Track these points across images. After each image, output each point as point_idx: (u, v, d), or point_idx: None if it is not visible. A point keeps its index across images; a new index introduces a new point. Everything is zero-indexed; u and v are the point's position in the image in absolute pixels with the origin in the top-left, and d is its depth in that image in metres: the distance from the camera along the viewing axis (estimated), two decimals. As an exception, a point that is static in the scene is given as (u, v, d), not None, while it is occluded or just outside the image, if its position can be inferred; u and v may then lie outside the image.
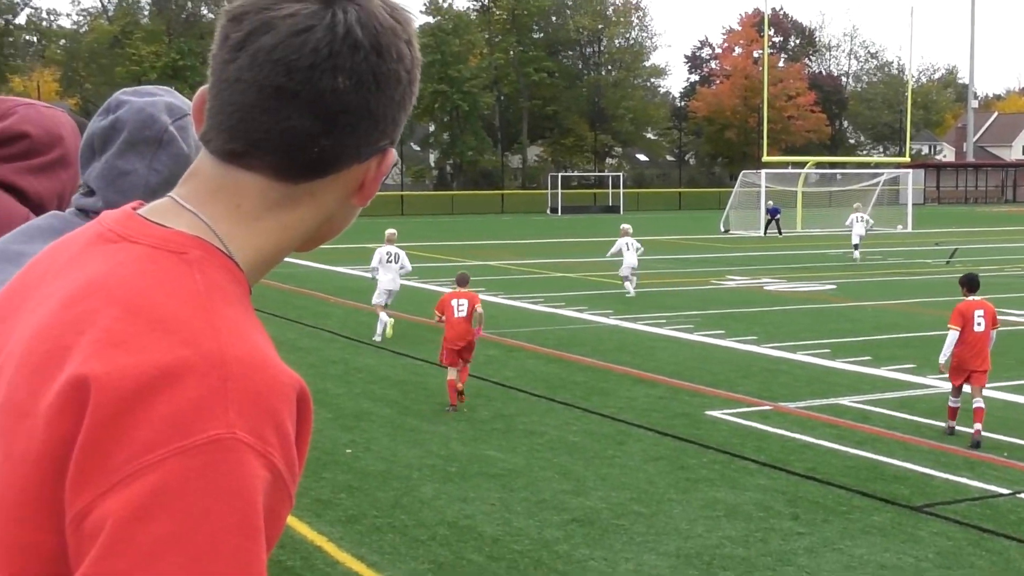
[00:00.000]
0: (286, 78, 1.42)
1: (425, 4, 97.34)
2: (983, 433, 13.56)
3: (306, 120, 1.44)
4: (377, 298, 21.91)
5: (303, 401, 1.43)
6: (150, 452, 1.28)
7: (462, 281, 16.64)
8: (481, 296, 22.72)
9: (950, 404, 14.16)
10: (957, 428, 14.05)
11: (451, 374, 15.60)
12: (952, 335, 13.93)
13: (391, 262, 21.77)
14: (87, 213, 2.46)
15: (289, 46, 1.42)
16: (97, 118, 2.58)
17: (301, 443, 1.42)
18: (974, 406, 13.67)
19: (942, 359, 14.21)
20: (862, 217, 41.84)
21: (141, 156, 2.50)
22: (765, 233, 52.94)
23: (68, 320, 1.41)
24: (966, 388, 13.99)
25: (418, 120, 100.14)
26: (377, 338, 21.23)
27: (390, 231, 22.43)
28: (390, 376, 17.87)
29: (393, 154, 1.55)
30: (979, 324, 13.94)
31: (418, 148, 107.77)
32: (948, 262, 37.28)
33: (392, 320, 21.70)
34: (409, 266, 22.18)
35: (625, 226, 31.23)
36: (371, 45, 1.45)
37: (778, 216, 53.49)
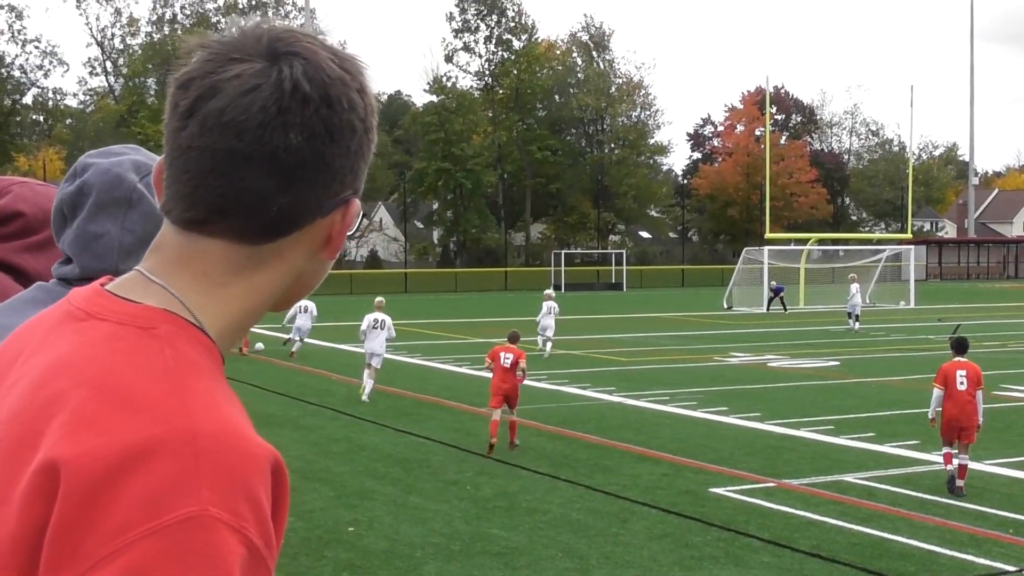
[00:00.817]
0: (237, 140, 1.41)
1: (428, 83, 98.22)
2: (991, 510, 13.51)
3: (262, 180, 1.42)
4: (368, 361, 23.82)
5: (278, 473, 1.41)
6: (123, 534, 1.27)
7: (513, 339, 19.06)
8: (483, 374, 23.10)
9: (945, 451, 15.12)
10: (963, 505, 14.01)
11: (495, 415, 17.72)
12: (936, 393, 15.28)
13: (377, 328, 23.76)
14: (69, 282, 2.43)
15: (237, 107, 1.41)
16: (64, 184, 2.53)
17: (278, 516, 1.40)
18: (959, 463, 14.84)
19: (930, 414, 15.61)
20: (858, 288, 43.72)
21: (112, 217, 2.44)
22: (768, 310, 52.95)
23: (39, 403, 1.40)
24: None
25: (422, 198, 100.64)
26: (365, 399, 23.11)
27: (379, 299, 24.77)
28: (393, 454, 17.81)
29: (357, 204, 1.53)
30: (961, 383, 15.05)
31: (422, 226, 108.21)
32: (951, 339, 37.16)
33: (372, 384, 23.55)
34: (394, 333, 24.30)
35: (548, 291, 35.30)
36: (320, 97, 1.43)
37: (782, 293, 53.56)
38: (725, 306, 55.88)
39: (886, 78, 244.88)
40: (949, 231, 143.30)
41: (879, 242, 76.83)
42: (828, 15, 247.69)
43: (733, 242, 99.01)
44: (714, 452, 17.81)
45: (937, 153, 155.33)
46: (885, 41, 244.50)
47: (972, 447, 15.23)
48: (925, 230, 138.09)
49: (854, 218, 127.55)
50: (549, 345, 32.37)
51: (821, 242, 68.45)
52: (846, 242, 77.37)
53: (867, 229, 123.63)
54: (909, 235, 71.71)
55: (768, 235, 60.26)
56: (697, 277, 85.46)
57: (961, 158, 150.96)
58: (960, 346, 16.04)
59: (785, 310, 52.75)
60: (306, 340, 32.44)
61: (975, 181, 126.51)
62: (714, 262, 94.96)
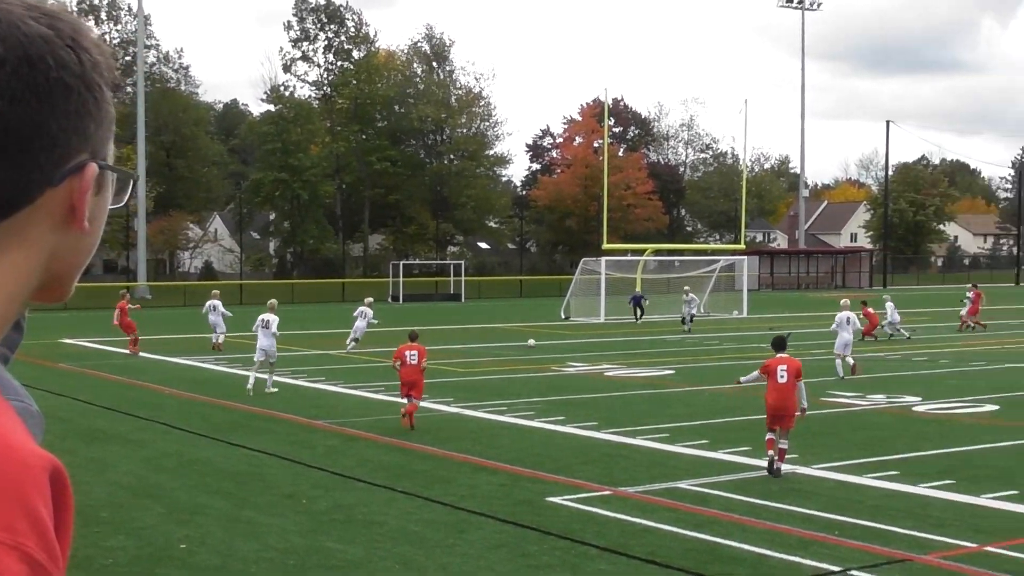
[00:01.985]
0: None
1: (266, 93, 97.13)
2: (818, 513, 13.81)
3: None
4: (256, 357, 26.59)
5: (58, 482, 1.31)
6: None
7: (413, 337, 22.28)
8: (320, 385, 23.22)
9: (768, 437, 16.66)
10: (792, 508, 14.31)
11: (408, 404, 21.24)
12: (755, 374, 17.60)
13: (265, 327, 26.40)
14: None
15: None
16: None
17: (62, 526, 1.30)
18: (780, 446, 16.52)
19: (742, 380, 18.29)
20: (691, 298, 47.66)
21: None
22: (637, 319, 53.35)
23: None
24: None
25: (258, 208, 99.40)
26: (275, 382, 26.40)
27: (271, 301, 27.70)
28: (226, 468, 17.52)
29: (94, 168, 1.41)
30: (782, 376, 16.76)
31: (258, 236, 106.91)
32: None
33: (270, 379, 26.38)
34: (277, 331, 26.68)
35: (367, 299, 39.23)
36: (18, 58, 1.32)
37: (644, 302, 54.13)
38: (563, 316, 56.29)
39: (721, 92, 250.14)
40: (781, 242, 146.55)
41: (713, 253, 78.22)
42: (665, 30, 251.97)
43: (571, 253, 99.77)
44: (552, 461, 17.89)
45: (769, 166, 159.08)
46: (720, 56, 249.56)
47: (803, 455, 15.57)
48: (758, 241, 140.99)
49: (689, 229, 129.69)
50: (352, 343, 37.38)
51: (657, 253, 69.37)
52: (681, 252, 78.54)
53: (702, 240, 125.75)
54: (742, 246, 73.11)
55: (605, 246, 60.84)
56: (535, 287, 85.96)
57: (792, 171, 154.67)
58: (779, 344, 17.67)
59: (637, 319, 53.32)
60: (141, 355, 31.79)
61: (806, 193, 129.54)
62: (552, 272, 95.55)
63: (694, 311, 48.21)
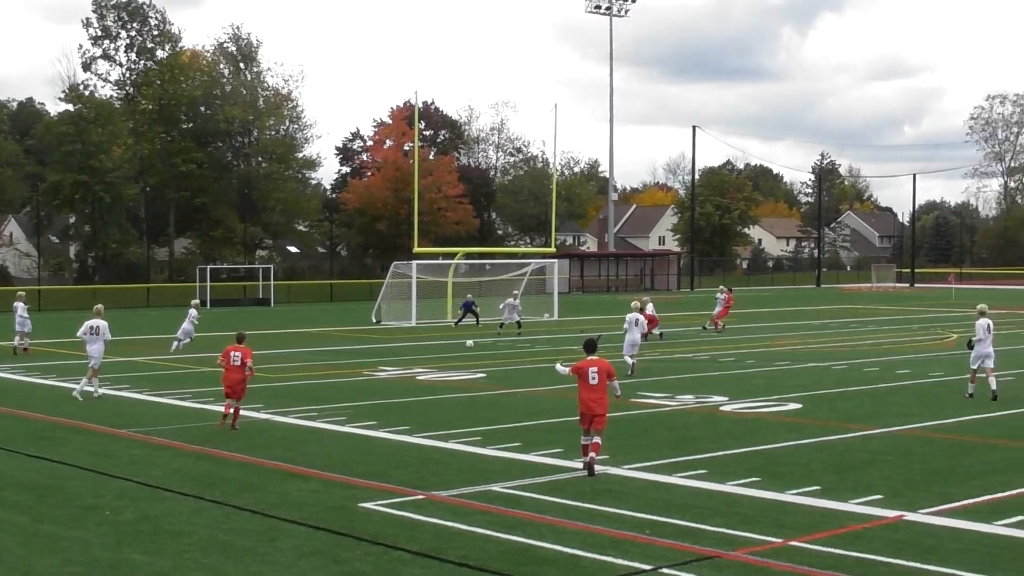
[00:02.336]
0: None
1: (64, 91, 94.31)
2: (629, 512, 13.95)
3: None
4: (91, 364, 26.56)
5: None
6: None
7: (240, 339, 22.73)
8: (124, 394, 22.76)
9: (583, 441, 17.23)
10: (604, 508, 14.44)
11: (227, 407, 21.83)
12: (566, 371, 18.09)
13: (94, 334, 26.72)
14: None
15: None
16: None
17: None
18: (593, 441, 17.07)
19: (558, 366, 18.80)
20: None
21: None
22: (456, 324, 52.86)
23: None
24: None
25: (57, 211, 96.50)
26: (84, 391, 26.14)
27: (98, 306, 28.27)
28: (24, 481, 16.91)
29: None
30: (593, 378, 17.19)
31: (57, 240, 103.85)
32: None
33: (95, 383, 26.24)
34: (109, 336, 27.16)
35: (194, 301, 41.57)
36: None
37: (475, 307, 53.36)
38: (374, 320, 55.99)
39: (531, 96, 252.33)
40: (591, 245, 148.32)
41: (524, 256, 78.68)
42: (476, 33, 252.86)
43: (382, 256, 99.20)
44: (364, 466, 17.74)
45: (579, 169, 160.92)
46: (530, 60, 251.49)
47: (615, 455, 15.69)
48: (568, 244, 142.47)
49: (500, 232, 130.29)
50: (176, 344, 38.88)
51: (468, 256, 69.52)
52: (493, 256, 78.89)
53: (513, 243, 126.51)
54: (553, 249, 73.77)
55: (416, 249, 60.74)
56: (346, 291, 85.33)
57: (602, 174, 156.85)
58: (590, 346, 18.06)
59: (477, 324, 53.02)
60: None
61: (615, 197, 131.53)
62: (363, 276, 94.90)
63: (516, 317, 48.16)
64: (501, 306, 48.63)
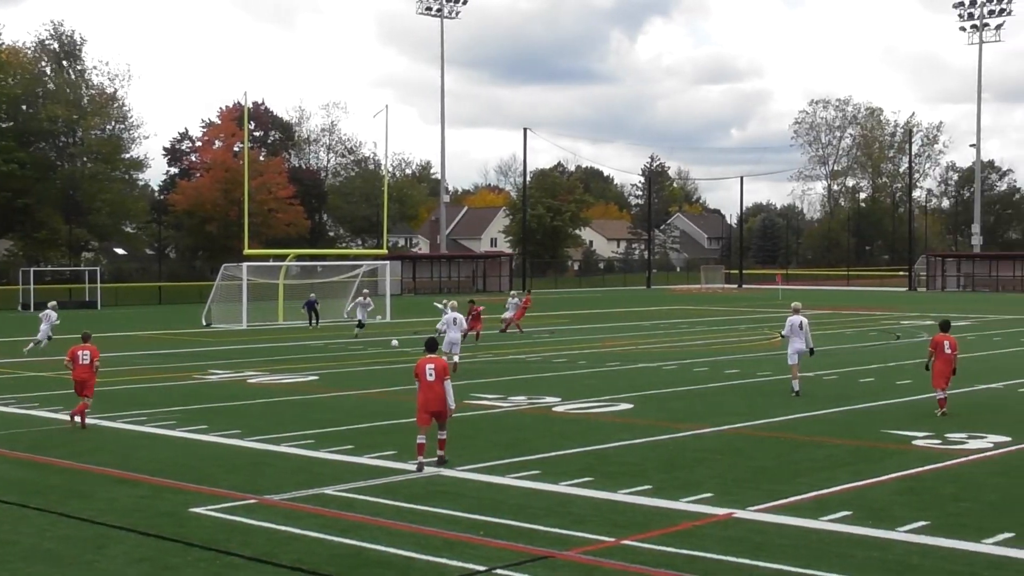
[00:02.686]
0: None
1: None
2: (463, 514, 14.00)
3: None
4: None
5: None
6: None
7: (86, 338, 23.07)
8: None
9: (418, 440, 17.44)
10: (437, 511, 14.45)
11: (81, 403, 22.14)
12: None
13: None
14: None
15: None
16: None
17: None
18: (440, 437, 17.72)
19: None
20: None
21: None
22: (311, 324, 52.65)
23: None
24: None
25: None
26: None
27: None
28: None
29: None
30: (430, 375, 17.62)
31: None
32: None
33: None
34: None
35: (51, 303, 41.11)
36: None
37: (317, 306, 53.51)
38: (204, 323, 55.15)
39: (363, 98, 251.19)
40: (423, 247, 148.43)
41: (356, 258, 78.23)
42: (306, 34, 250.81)
43: (212, 258, 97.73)
44: (194, 471, 17.47)
45: (411, 171, 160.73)
46: (361, 61, 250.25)
47: (449, 457, 15.72)
48: (400, 246, 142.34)
49: (332, 234, 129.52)
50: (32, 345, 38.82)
51: (300, 258, 68.92)
52: (324, 258, 78.33)
53: (344, 245, 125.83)
54: (385, 251, 73.52)
55: (247, 251, 59.99)
56: (175, 294, 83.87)
57: (434, 176, 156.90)
58: (430, 345, 18.80)
59: (316, 324, 52.73)
60: None
61: (447, 199, 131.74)
62: (192, 279, 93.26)
63: (362, 317, 47.78)
64: (350, 306, 48.12)
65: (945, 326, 24.22)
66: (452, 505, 14.98)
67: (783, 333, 27.54)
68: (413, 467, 17.31)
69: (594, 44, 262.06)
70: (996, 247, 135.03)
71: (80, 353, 22.53)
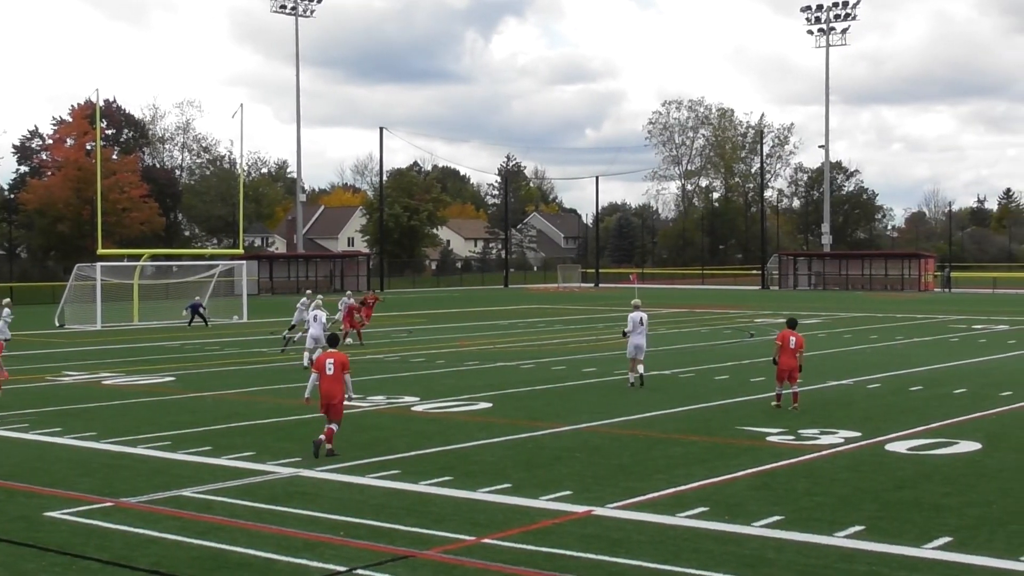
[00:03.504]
0: None
1: None
2: (323, 515, 14.00)
3: None
4: None
5: None
6: None
7: None
8: None
9: (327, 427, 18.70)
10: (298, 512, 14.41)
11: None
12: (313, 376, 19.30)
13: None
14: None
15: None
16: None
17: None
18: (328, 427, 18.66)
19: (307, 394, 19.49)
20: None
21: None
22: (189, 325, 52.00)
23: None
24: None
25: None
26: None
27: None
28: None
29: None
30: (330, 369, 18.81)
31: None
32: (283, 351, 38.17)
33: None
34: None
35: (6, 300, 40.21)
36: None
37: (202, 309, 53.00)
38: (57, 324, 54.05)
39: (217, 96, 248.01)
40: (280, 246, 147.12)
41: (212, 257, 77.33)
42: (159, 30, 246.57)
43: (64, 259, 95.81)
44: (48, 475, 17.16)
45: (267, 171, 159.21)
46: (215, 59, 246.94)
47: (307, 458, 15.67)
48: (256, 245, 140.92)
49: (188, 233, 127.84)
50: None
51: (155, 258, 67.91)
52: (179, 258, 77.27)
53: (200, 244, 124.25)
54: (241, 250, 72.82)
55: (100, 251, 58.94)
56: (27, 295, 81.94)
57: (290, 176, 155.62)
58: (332, 340, 20.18)
59: (207, 325, 52.12)
60: None
61: (303, 198, 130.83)
62: (44, 279, 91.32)
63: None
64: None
65: (792, 323, 25.20)
66: (312, 506, 14.93)
67: (626, 330, 28.60)
68: (273, 467, 17.23)
69: (449, 44, 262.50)
70: (845, 246, 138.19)
71: None
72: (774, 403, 24.30)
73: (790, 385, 24.13)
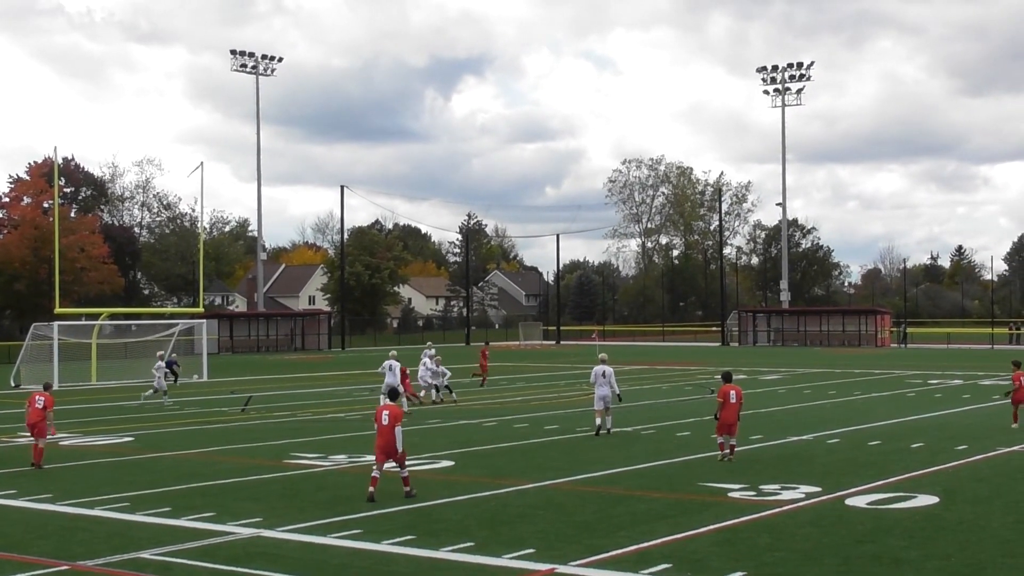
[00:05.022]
0: None
1: None
2: (282, 575, 13.83)
3: None
4: None
5: None
6: None
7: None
8: None
9: (373, 474, 20.17)
10: (258, 573, 14.27)
11: None
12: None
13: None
14: None
15: None
16: None
17: None
18: (402, 475, 20.47)
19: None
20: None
21: None
22: (176, 383, 51.72)
23: None
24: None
25: None
26: None
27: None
28: None
29: None
30: (384, 420, 20.21)
31: None
32: (243, 409, 37.95)
33: None
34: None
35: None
36: None
37: (175, 366, 52.75)
38: (13, 384, 53.59)
39: (177, 154, 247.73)
40: (240, 305, 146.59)
41: (172, 316, 76.95)
42: (117, 88, 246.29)
43: (21, 317, 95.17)
44: (2, 538, 16.94)
45: (228, 229, 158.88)
46: (175, 119, 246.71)
47: (268, 517, 15.46)
48: (217, 304, 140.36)
49: (147, 292, 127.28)
50: None
51: (113, 317, 67.53)
52: (139, 316, 76.89)
53: (159, 304, 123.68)
54: (201, 309, 72.49)
55: (58, 310, 58.58)
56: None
57: (251, 234, 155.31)
58: (391, 394, 22.14)
59: (175, 382, 51.75)
60: None
61: (264, 256, 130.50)
62: (1, 339, 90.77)
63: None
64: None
65: (727, 377, 26.02)
66: (272, 566, 14.78)
67: (591, 381, 30.46)
68: (233, 527, 17.05)
69: (408, 102, 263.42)
70: (803, 302, 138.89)
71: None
72: (719, 453, 24.94)
73: (729, 437, 24.89)
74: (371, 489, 19.90)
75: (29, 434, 26.26)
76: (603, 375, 29.86)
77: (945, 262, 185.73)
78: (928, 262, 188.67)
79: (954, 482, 21.86)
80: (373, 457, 25.92)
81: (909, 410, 37.06)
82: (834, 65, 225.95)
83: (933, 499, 19.69)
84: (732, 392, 25.08)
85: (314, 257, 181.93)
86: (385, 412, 20.47)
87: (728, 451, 24.85)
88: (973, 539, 16.40)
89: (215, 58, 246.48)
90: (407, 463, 20.98)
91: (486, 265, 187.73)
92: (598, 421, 30.09)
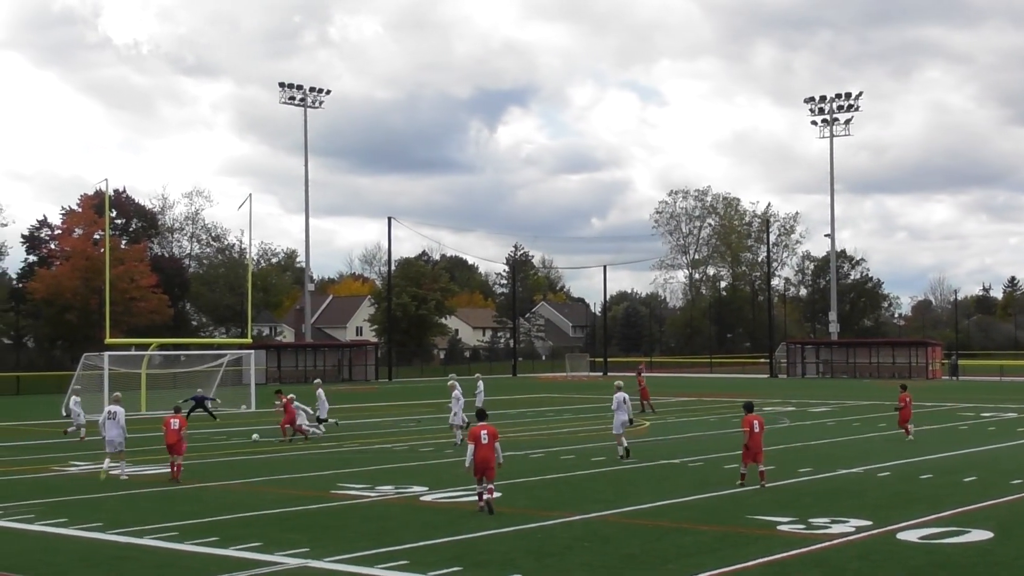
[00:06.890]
0: None
1: None
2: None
3: None
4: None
5: None
6: None
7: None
8: None
9: (477, 490, 22.13)
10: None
11: None
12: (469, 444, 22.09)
13: (112, 418, 29.24)
14: None
15: None
16: None
17: None
18: (488, 487, 22.23)
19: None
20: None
21: None
22: (189, 414, 51.46)
23: None
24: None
25: None
26: None
27: (116, 393, 30.70)
28: None
29: None
30: (484, 439, 22.61)
31: None
32: (290, 440, 38.05)
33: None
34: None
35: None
36: None
37: (206, 401, 51.66)
38: (64, 414, 53.89)
39: (226, 186, 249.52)
40: (288, 335, 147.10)
41: (220, 347, 77.32)
42: (167, 121, 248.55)
43: (72, 348, 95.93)
44: (53, 567, 17.02)
45: (276, 260, 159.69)
46: (223, 151, 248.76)
47: (315, 548, 15.48)
48: (264, 335, 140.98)
49: (195, 323, 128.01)
50: None
51: (162, 347, 67.96)
52: (187, 347, 77.29)
53: (208, 334, 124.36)
54: (249, 340, 72.85)
55: (108, 340, 59.01)
56: (34, 384, 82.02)
57: (299, 265, 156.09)
58: (481, 415, 23.67)
59: (215, 418, 51.19)
60: None
61: (311, 287, 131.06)
62: (51, 368, 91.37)
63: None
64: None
65: (749, 407, 26.91)
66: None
67: (614, 408, 32.28)
68: (280, 557, 17.07)
69: (453, 134, 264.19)
70: (852, 334, 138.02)
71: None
72: (739, 482, 25.75)
73: (756, 466, 25.69)
74: (481, 503, 22.07)
75: (167, 454, 28.68)
76: (623, 401, 32.22)
77: (998, 293, 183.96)
78: (980, 293, 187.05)
79: (1009, 516, 21.58)
80: (420, 487, 26.10)
81: (962, 443, 36.68)
82: (880, 95, 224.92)
83: (987, 534, 19.44)
84: (755, 421, 26.01)
85: (361, 288, 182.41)
86: (484, 431, 22.32)
87: (760, 477, 25.61)
88: (1027, 574, 16.18)
89: (260, 90, 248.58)
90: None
91: (533, 296, 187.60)
92: (626, 443, 31.93)
